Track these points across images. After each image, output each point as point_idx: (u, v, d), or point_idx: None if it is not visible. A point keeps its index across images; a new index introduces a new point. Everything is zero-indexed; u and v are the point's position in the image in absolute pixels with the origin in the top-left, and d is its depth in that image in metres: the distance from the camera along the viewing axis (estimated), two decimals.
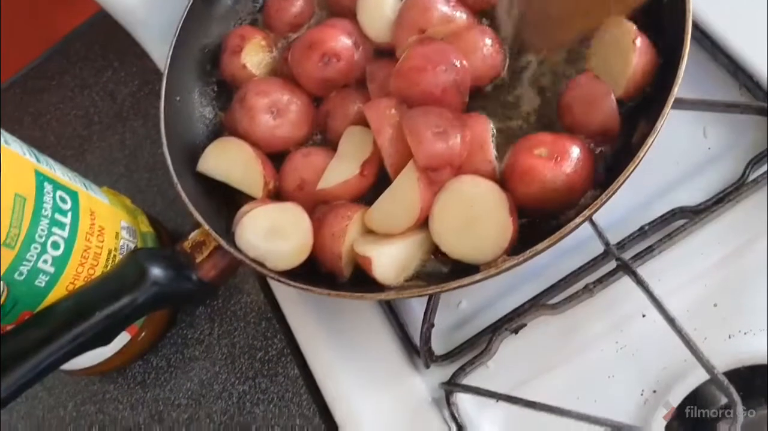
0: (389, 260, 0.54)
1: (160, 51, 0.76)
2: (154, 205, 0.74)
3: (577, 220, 0.49)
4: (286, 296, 0.65)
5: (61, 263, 0.54)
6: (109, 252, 0.59)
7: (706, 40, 0.61)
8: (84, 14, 0.91)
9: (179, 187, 0.59)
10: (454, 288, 0.51)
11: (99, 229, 0.58)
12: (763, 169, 0.57)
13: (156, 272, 0.54)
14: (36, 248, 0.52)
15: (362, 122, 0.59)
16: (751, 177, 0.56)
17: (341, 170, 0.58)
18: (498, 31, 0.61)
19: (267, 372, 0.66)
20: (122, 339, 0.66)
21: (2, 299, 0.50)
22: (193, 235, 0.59)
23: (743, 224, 0.57)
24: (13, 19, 0.86)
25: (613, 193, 0.50)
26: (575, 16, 0.59)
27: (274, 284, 0.66)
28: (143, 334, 0.68)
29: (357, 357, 0.61)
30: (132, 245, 0.62)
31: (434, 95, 0.56)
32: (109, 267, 0.58)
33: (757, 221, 0.56)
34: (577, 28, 0.58)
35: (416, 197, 0.54)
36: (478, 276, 0.51)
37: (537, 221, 0.55)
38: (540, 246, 0.49)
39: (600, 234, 0.56)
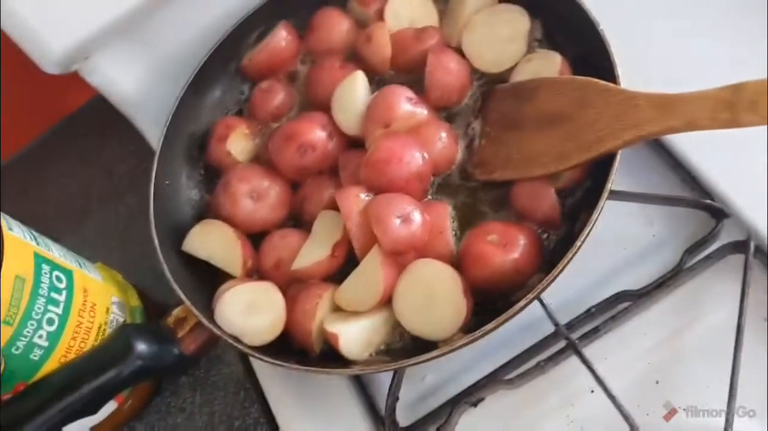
0: (355, 337, 0.59)
1: (154, 132, 0.82)
2: (144, 279, 0.79)
3: (522, 302, 0.54)
4: (263, 368, 0.69)
5: (54, 338, 0.59)
6: (99, 327, 0.63)
7: None
8: (85, 96, 0.98)
9: (165, 267, 0.64)
10: (413, 364, 0.56)
11: (91, 305, 0.62)
12: (699, 257, 0.62)
13: (141, 347, 0.59)
14: (32, 324, 0.57)
15: (334, 206, 0.65)
16: (688, 265, 0.62)
17: (314, 251, 0.63)
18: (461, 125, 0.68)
19: None
20: (109, 407, 0.70)
21: (0, 371, 0.55)
22: (176, 311, 0.63)
23: (682, 307, 0.62)
24: (18, 99, 0.92)
25: (554, 278, 0.55)
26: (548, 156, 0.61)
27: (251, 359, 0.70)
28: (129, 402, 0.72)
29: (326, 427, 0.64)
30: (121, 320, 0.66)
31: (399, 184, 0.62)
32: (98, 341, 0.63)
33: (695, 304, 0.62)
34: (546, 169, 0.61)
35: (380, 279, 0.59)
36: (434, 353, 0.55)
37: (492, 301, 0.59)
38: (489, 326, 0.54)
39: (550, 315, 0.61)
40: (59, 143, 0.98)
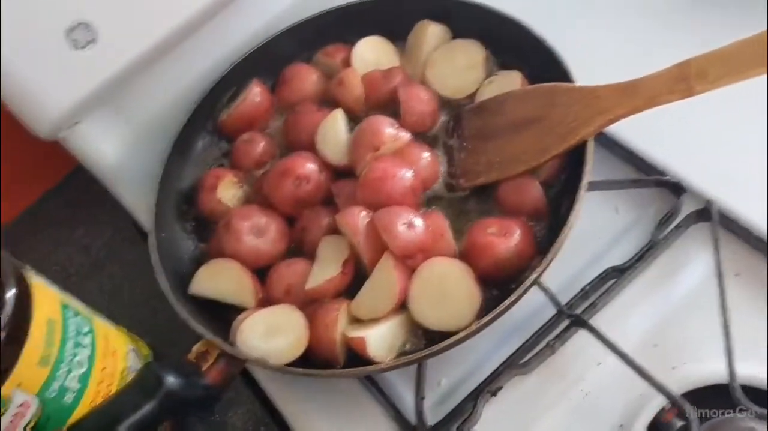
0: (380, 339, 0.62)
1: (135, 198, 0.84)
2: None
3: (529, 280, 0.60)
4: (282, 396, 0.70)
5: (84, 380, 0.59)
6: (122, 372, 0.64)
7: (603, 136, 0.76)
8: (52, 180, 0.99)
9: (179, 307, 0.66)
10: (436, 353, 0.60)
11: (112, 350, 0.63)
12: (669, 228, 0.70)
13: (170, 380, 0.60)
14: (65, 366, 0.57)
15: (334, 231, 0.69)
16: (660, 236, 0.69)
17: (324, 271, 0.67)
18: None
19: None
20: None
21: (38, 417, 0.55)
22: (196, 347, 0.65)
23: (663, 274, 0.68)
24: None
25: (553, 257, 0.61)
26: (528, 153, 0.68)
27: (270, 389, 0.71)
28: None
29: None
30: (138, 365, 0.67)
31: (395, 199, 0.67)
32: (120, 385, 0.63)
33: (675, 270, 0.69)
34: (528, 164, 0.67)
35: (394, 282, 0.63)
36: (455, 338, 0.59)
37: (501, 292, 0.64)
38: (506, 302, 0.59)
39: (552, 297, 0.66)
40: (29, 229, 0.98)
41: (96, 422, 0.57)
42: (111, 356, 0.63)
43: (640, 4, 0.86)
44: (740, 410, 0.58)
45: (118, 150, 0.84)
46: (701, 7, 0.81)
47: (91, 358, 0.60)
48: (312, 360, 0.64)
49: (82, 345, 0.59)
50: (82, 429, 0.57)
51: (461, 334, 0.59)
